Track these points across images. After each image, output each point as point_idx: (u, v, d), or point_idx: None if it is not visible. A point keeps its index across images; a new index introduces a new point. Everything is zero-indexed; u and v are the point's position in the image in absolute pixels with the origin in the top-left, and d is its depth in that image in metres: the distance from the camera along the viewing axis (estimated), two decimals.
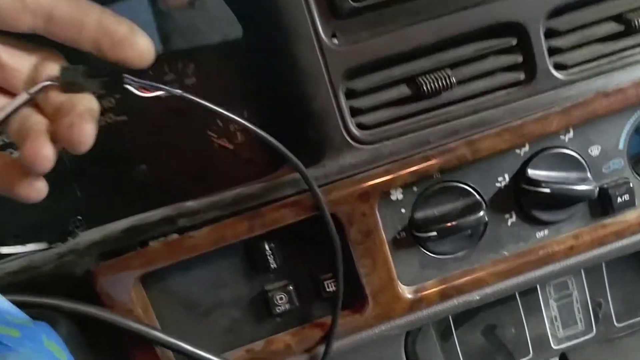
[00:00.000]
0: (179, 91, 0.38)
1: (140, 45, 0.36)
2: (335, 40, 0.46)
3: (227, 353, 0.52)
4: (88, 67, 0.36)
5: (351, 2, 0.45)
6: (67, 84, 0.36)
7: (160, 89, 0.38)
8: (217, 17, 0.52)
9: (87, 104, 0.36)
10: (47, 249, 0.49)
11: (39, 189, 0.38)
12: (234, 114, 0.55)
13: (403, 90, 0.48)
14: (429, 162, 0.48)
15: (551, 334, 0.66)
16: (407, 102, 0.48)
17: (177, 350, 0.47)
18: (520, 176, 0.51)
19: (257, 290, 0.52)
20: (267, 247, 0.49)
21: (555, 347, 0.66)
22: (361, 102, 0.48)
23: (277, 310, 0.51)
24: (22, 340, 0.38)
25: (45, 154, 0.34)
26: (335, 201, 0.47)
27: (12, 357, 0.36)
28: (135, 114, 0.51)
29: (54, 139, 0.35)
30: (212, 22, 0.53)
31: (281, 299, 0.51)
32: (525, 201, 0.51)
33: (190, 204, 0.48)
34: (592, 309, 0.66)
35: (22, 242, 0.50)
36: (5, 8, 0.33)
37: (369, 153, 0.48)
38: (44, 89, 0.36)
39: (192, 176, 0.56)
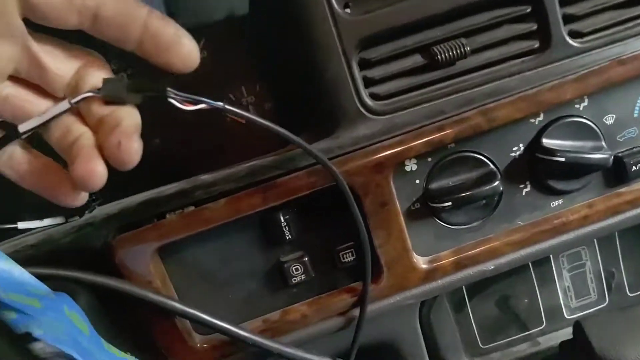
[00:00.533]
0: (220, 103, 0.38)
1: (184, 51, 0.35)
2: (348, 10, 0.46)
3: (244, 323, 0.53)
4: (131, 79, 0.36)
5: None
6: (109, 96, 0.36)
7: (203, 102, 0.37)
8: None
9: (132, 119, 0.35)
10: (64, 223, 0.50)
11: (83, 197, 0.38)
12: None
13: (417, 59, 0.48)
14: (444, 132, 0.48)
15: (564, 304, 0.66)
16: (421, 71, 0.48)
17: (195, 320, 0.47)
18: (535, 145, 0.50)
19: (273, 261, 0.52)
20: (282, 218, 0.49)
21: (568, 317, 0.66)
22: (375, 72, 0.48)
23: (293, 281, 0.51)
24: (44, 310, 0.39)
25: (100, 172, 0.34)
26: (349, 172, 0.47)
27: (35, 325, 0.36)
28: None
29: (100, 153, 0.35)
30: None
31: (297, 270, 0.51)
32: (540, 170, 0.51)
33: (206, 177, 0.48)
34: (605, 279, 0.66)
35: (40, 217, 0.50)
36: (52, 5, 0.33)
37: (383, 124, 0.48)
38: (86, 99, 0.36)
39: (205, 150, 0.56)
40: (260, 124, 0.41)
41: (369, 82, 0.48)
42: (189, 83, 0.49)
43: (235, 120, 0.56)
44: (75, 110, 0.36)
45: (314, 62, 0.47)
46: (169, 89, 0.36)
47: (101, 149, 0.34)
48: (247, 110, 0.57)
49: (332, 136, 0.48)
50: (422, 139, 0.48)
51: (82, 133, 0.35)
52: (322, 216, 0.51)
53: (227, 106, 0.38)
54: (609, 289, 0.66)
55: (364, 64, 0.47)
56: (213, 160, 0.53)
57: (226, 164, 0.49)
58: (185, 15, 0.55)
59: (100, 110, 0.35)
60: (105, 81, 0.36)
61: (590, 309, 0.67)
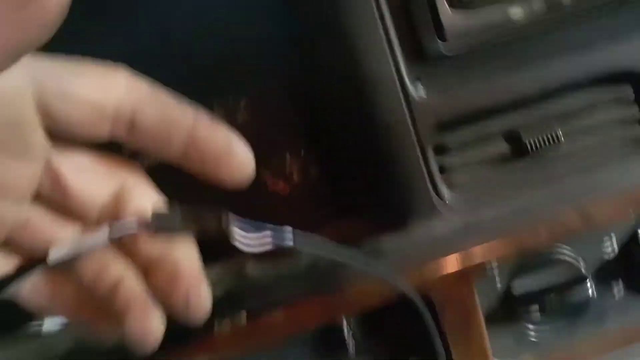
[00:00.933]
0: (291, 240, 0.29)
1: (235, 163, 0.28)
2: (422, 89, 0.40)
3: None
4: (186, 208, 0.29)
5: (441, 49, 0.39)
6: (160, 232, 0.28)
7: (267, 229, 0.29)
8: (274, 48, 0.46)
9: (192, 260, 0.28)
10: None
11: None
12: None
13: (502, 146, 0.42)
14: (537, 236, 0.42)
15: None
16: (507, 160, 0.42)
17: None
18: (630, 243, 0.44)
19: None
20: (345, 329, 0.43)
21: None
22: (453, 160, 0.42)
23: None
24: None
25: (158, 332, 0.27)
26: (428, 283, 0.41)
27: None
28: None
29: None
30: (268, 52, 0.46)
31: None
32: (635, 271, 0.45)
33: (255, 273, 0.42)
34: None
35: None
36: (80, 117, 0.26)
37: (464, 221, 0.42)
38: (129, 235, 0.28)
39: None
40: (332, 255, 0.33)
41: (446, 171, 0.42)
42: None
43: (274, 187, 0.50)
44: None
45: (381, 146, 0.41)
46: (230, 217, 0.29)
47: (163, 302, 0.28)
48: (292, 179, 0.51)
49: (403, 231, 0.42)
50: (512, 243, 0.41)
51: (124, 274, 0.28)
52: (391, 323, 0.44)
53: (300, 244, 0.31)
54: None
55: (440, 150, 0.42)
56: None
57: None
58: (226, 72, 0.49)
59: (149, 249, 0.28)
60: (156, 216, 0.28)
61: None
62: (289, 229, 0.30)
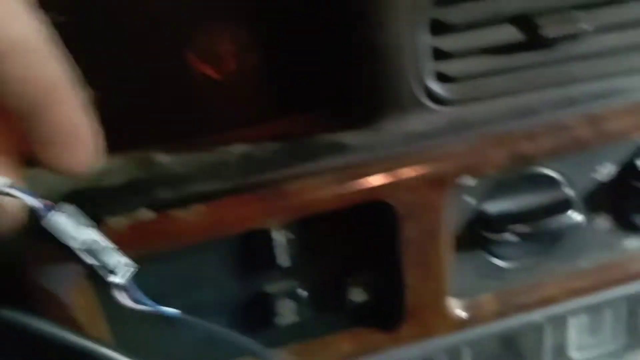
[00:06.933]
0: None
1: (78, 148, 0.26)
2: None
3: None
4: None
5: None
6: None
7: None
8: None
9: None
10: None
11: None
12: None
13: (511, 32, 0.35)
14: (536, 143, 0.36)
15: (572, 343, 0.59)
16: (514, 49, 0.35)
17: None
18: (628, 169, 0.40)
19: (253, 291, 0.38)
20: (277, 236, 0.36)
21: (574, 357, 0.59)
22: (449, 42, 0.35)
23: (280, 322, 0.38)
24: None
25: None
26: (394, 185, 0.35)
27: None
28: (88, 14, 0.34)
29: None
30: None
31: (287, 306, 0.38)
32: (626, 201, 0.41)
33: (168, 161, 0.34)
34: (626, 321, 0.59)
35: None
36: None
37: (449, 118, 0.35)
38: None
39: (162, 110, 0.41)
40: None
41: (438, 55, 0.34)
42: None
43: (205, 74, 0.42)
44: None
45: (361, 12, 0.33)
46: None
47: None
48: (224, 63, 0.43)
49: (371, 127, 0.35)
50: (504, 148, 0.36)
51: None
52: (332, 234, 0.38)
53: None
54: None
55: (436, 28, 0.34)
56: (172, 126, 0.39)
57: (189, 133, 0.35)
58: None
59: None
60: None
61: (601, 349, 0.60)
62: None
